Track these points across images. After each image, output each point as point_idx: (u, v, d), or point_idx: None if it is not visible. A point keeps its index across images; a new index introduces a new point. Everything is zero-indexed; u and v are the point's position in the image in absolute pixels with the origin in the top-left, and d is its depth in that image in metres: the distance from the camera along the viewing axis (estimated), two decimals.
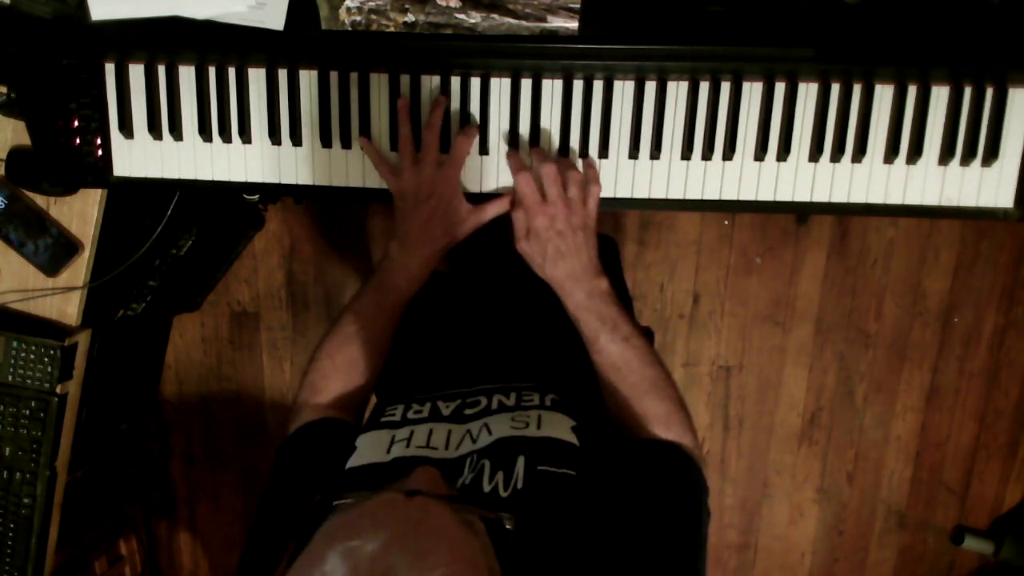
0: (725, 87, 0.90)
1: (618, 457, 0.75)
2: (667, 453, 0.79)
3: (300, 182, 0.97)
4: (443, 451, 0.76)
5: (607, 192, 0.94)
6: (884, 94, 0.90)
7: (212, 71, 0.94)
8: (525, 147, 0.93)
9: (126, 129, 0.95)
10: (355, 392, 0.93)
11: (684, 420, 0.83)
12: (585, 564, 0.61)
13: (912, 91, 0.89)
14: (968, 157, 0.90)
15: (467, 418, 0.81)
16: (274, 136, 0.95)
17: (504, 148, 0.94)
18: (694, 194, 0.94)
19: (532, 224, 0.87)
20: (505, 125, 0.93)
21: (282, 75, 0.93)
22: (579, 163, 0.92)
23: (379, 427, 0.81)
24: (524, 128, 0.93)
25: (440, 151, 0.91)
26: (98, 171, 0.97)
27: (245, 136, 0.95)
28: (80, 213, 1.09)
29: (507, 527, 0.53)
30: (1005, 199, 0.92)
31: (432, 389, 0.92)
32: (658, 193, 0.94)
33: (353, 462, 0.76)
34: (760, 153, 0.92)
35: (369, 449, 0.77)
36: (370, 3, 0.86)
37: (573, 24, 0.85)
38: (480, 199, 0.94)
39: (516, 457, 0.70)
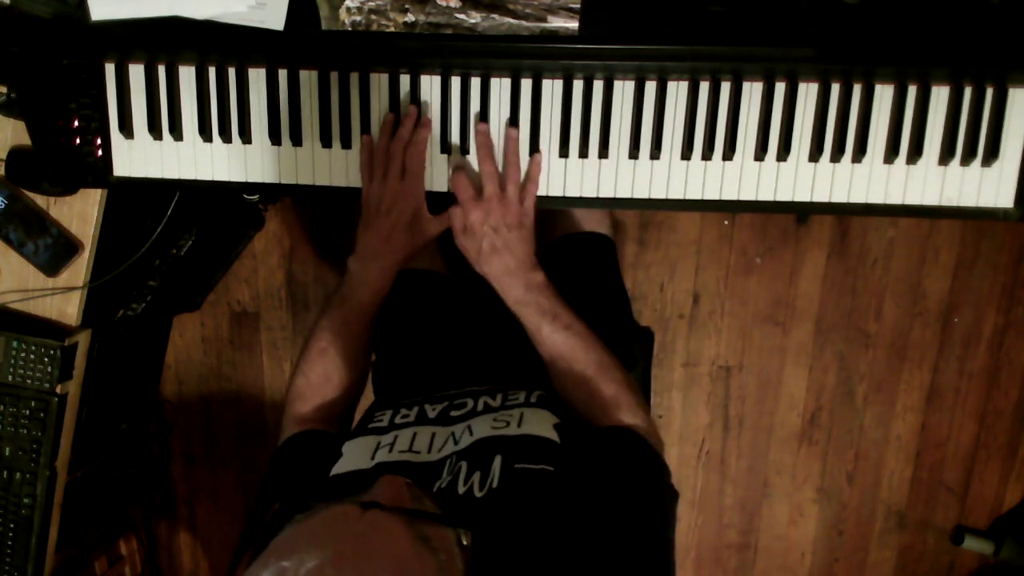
0: (725, 87, 0.90)
1: (582, 450, 0.75)
2: (619, 439, 0.78)
3: (300, 182, 0.97)
4: (425, 454, 0.76)
5: (607, 192, 0.94)
6: (884, 94, 0.90)
7: (212, 71, 0.94)
8: (525, 153, 0.94)
9: (126, 129, 0.95)
10: (334, 404, 0.95)
11: (633, 399, 0.83)
12: (556, 559, 0.61)
13: (912, 91, 0.89)
14: (968, 157, 0.90)
15: (453, 420, 0.81)
16: (274, 136, 0.95)
17: (513, 143, 0.94)
18: (694, 194, 0.94)
19: (467, 220, 0.89)
20: (505, 125, 0.93)
21: (282, 75, 0.93)
22: (525, 159, 0.93)
23: (366, 433, 0.82)
24: (524, 128, 0.93)
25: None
26: (98, 171, 0.97)
27: (245, 136, 0.95)
28: (80, 213, 1.09)
29: (464, 543, 0.52)
30: (1005, 199, 0.92)
31: (425, 391, 0.92)
32: (658, 193, 0.94)
33: (338, 469, 0.76)
34: (760, 153, 0.92)
35: (354, 455, 0.78)
36: (370, 3, 0.86)
37: (573, 24, 0.85)
38: None
39: (493, 457, 0.70)
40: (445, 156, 0.94)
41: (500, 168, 0.92)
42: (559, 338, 0.85)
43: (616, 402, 0.82)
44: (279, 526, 0.52)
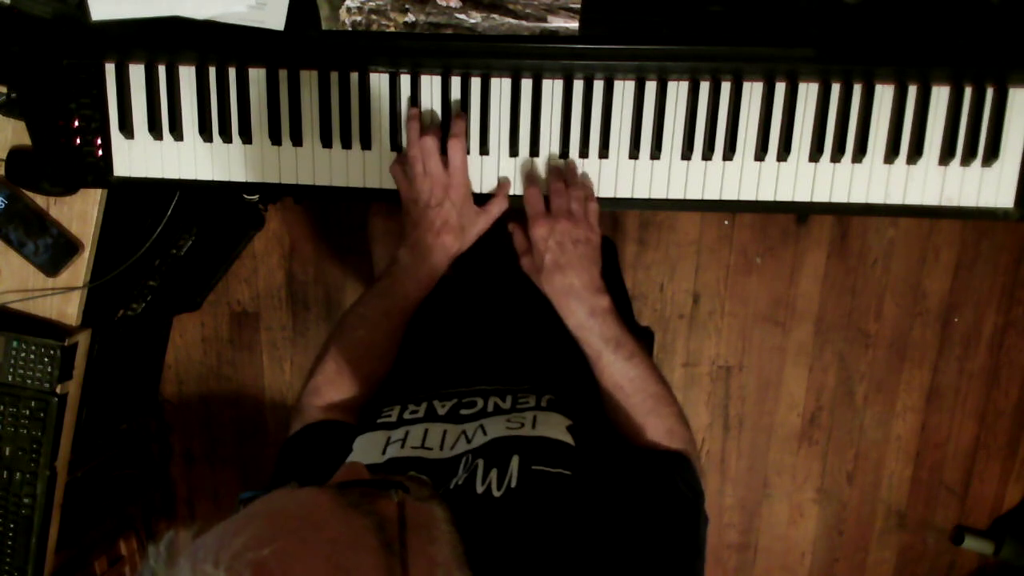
0: (725, 87, 0.90)
1: (619, 461, 0.75)
2: (669, 462, 0.80)
3: (301, 182, 0.97)
4: (438, 451, 0.76)
5: (607, 192, 0.94)
6: (884, 94, 0.90)
7: (212, 71, 0.94)
8: (526, 153, 0.94)
9: (126, 129, 0.95)
10: (358, 395, 0.93)
11: (685, 434, 0.83)
12: (578, 563, 0.61)
13: (912, 91, 0.89)
14: (968, 157, 0.90)
15: (463, 419, 0.81)
16: (275, 136, 0.95)
17: (505, 148, 0.94)
18: (694, 194, 0.94)
19: (532, 234, 0.87)
20: (506, 125, 0.93)
21: (282, 75, 0.93)
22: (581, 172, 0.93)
23: (375, 428, 0.82)
24: (524, 128, 0.93)
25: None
26: (98, 171, 0.97)
27: (245, 136, 0.95)
28: (80, 213, 1.09)
29: (395, 500, 0.52)
30: (1005, 199, 0.92)
31: (430, 389, 0.92)
32: (658, 193, 0.94)
33: None
34: (760, 153, 0.92)
35: (365, 450, 0.78)
36: (370, 3, 0.86)
37: (573, 24, 0.85)
38: (481, 199, 0.94)
39: (511, 456, 0.70)
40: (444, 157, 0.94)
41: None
42: (620, 368, 0.82)
43: (670, 435, 0.81)
44: None
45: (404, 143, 0.94)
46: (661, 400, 0.83)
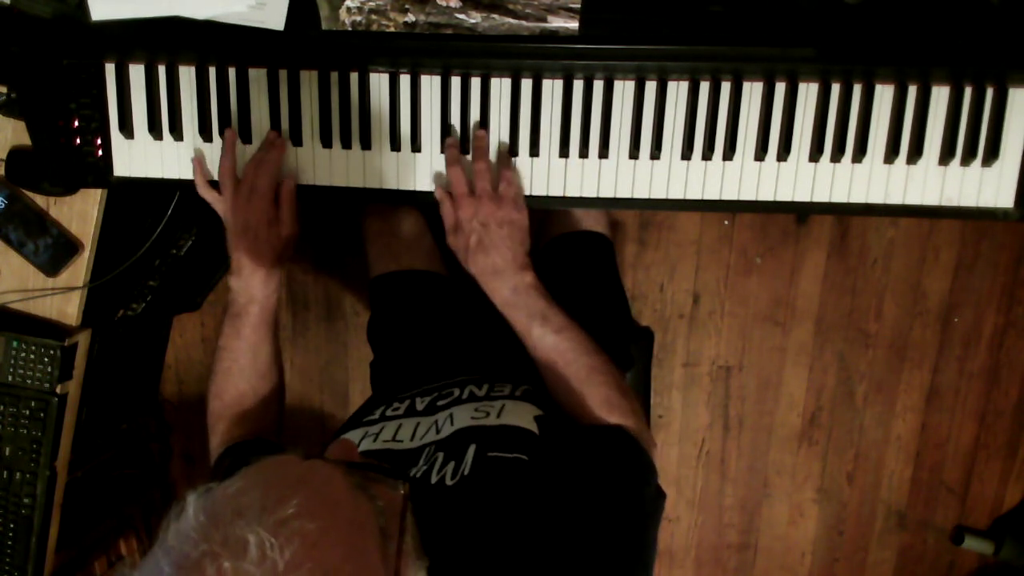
0: (725, 87, 0.90)
1: (566, 443, 0.75)
2: (607, 436, 0.79)
3: (301, 182, 0.97)
4: (407, 443, 0.77)
5: (607, 192, 0.94)
6: (884, 94, 0.90)
7: (212, 71, 0.94)
8: (525, 153, 0.94)
9: (126, 129, 0.95)
10: (259, 415, 0.94)
11: (625, 404, 0.82)
12: (524, 546, 0.61)
13: (912, 91, 0.89)
14: (968, 157, 0.90)
15: (438, 409, 0.82)
16: None
17: (505, 148, 0.94)
18: (694, 194, 0.94)
19: (457, 216, 0.88)
20: (506, 126, 0.93)
21: (282, 75, 0.93)
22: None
23: (358, 426, 0.84)
24: (524, 129, 0.93)
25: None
26: (98, 171, 0.97)
27: (245, 136, 0.95)
28: (80, 213, 1.09)
29: (400, 492, 0.52)
30: (1005, 199, 0.92)
31: (419, 385, 0.93)
32: (658, 193, 0.94)
33: None
34: (760, 153, 0.92)
35: None
36: (370, 3, 0.86)
37: (573, 24, 0.85)
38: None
39: (468, 446, 0.71)
40: (444, 156, 0.94)
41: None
42: (550, 341, 0.83)
43: (608, 405, 0.81)
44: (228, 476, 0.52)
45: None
46: (595, 370, 0.83)
